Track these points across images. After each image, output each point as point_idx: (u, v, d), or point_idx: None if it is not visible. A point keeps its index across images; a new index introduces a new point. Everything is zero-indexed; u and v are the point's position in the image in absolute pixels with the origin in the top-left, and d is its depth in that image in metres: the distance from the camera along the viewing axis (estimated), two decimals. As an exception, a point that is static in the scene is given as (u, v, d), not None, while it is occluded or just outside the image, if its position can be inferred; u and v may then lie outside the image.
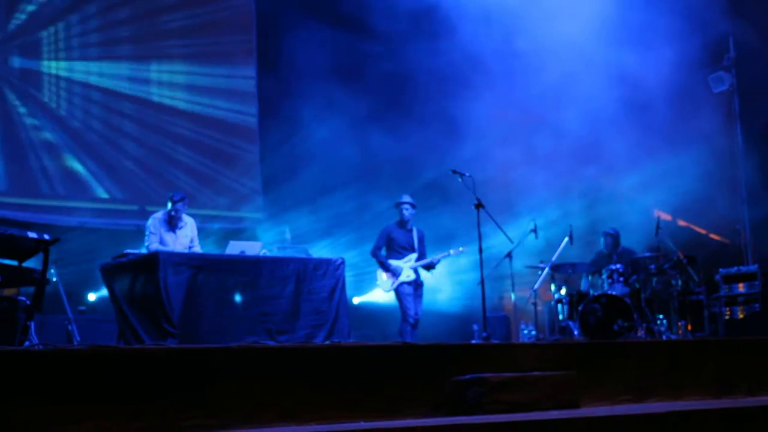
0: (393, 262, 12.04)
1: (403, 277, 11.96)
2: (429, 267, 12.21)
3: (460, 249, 12.31)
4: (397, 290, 12.02)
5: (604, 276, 13.22)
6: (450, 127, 15.53)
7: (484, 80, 15.41)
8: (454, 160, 13.46)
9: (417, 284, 12.11)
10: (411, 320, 11.87)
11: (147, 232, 11.07)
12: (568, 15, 14.56)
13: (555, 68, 14.88)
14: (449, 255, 12.30)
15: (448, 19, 14.65)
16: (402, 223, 12.28)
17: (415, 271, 12.07)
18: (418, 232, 12.33)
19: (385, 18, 14.61)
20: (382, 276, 12.08)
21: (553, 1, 14.77)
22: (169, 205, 11.10)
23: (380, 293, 12.72)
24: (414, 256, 12.10)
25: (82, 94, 13.92)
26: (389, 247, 12.21)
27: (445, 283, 14.84)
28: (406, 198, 12.28)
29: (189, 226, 11.28)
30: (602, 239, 13.89)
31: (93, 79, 14.00)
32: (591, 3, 14.49)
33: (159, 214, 11.18)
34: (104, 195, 13.85)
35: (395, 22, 14.59)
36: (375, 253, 12.24)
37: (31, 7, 13.56)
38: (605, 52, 14.54)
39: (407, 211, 12.19)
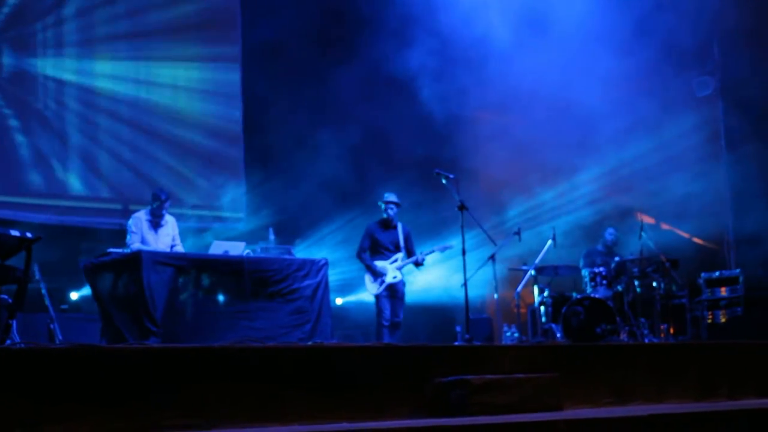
0: (378, 264, 11.90)
1: (389, 278, 11.82)
2: (417, 264, 12.11)
3: (448, 245, 12.23)
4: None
5: (587, 279, 13.28)
6: (440, 127, 15.53)
7: (472, 81, 15.44)
8: (441, 161, 13.49)
9: (399, 284, 12.00)
10: (386, 323, 11.78)
11: (128, 231, 11.04)
12: (554, 16, 14.62)
13: (542, 70, 14.90)
14: (433, 251, 12.21)
15: (437, 15, 14.66)
16: (385, 223, 12.09)
17: (401, 271, 12.00)
18: (404, 229, 12.14)
19: (374, 16, 14.58)
20: (369, 279, 11.94)
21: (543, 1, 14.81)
22: (156, 203, 11.07)
23: (365, 293, 12.65)
24: (400, 255, 11.96)
25: (65, 93, 13.84)
26: (373, 249, 12.04)
27: (428, 284, 14.83)
28: (392, 197, 12.07)
29: (170, 225, 11.26)
30: (606, 234, 13.95)
31: (76, 78, 13.93)
32: (577, 4, 14.51)
33: (140, 213, 11.16)
34: (87, 194, 13.79)
35: (385, 20, 14.56)
36: (360, 256, 12.04)
37: (15, 3, 13.49)
38: (591, 55, 14.56)
39: (392, 211, 12.05)
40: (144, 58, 14.51)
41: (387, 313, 11.78)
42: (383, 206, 12.03)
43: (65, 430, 5.46)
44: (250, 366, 6.30)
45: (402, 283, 12.00)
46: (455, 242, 11.60)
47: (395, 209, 12.03)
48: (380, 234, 12.04)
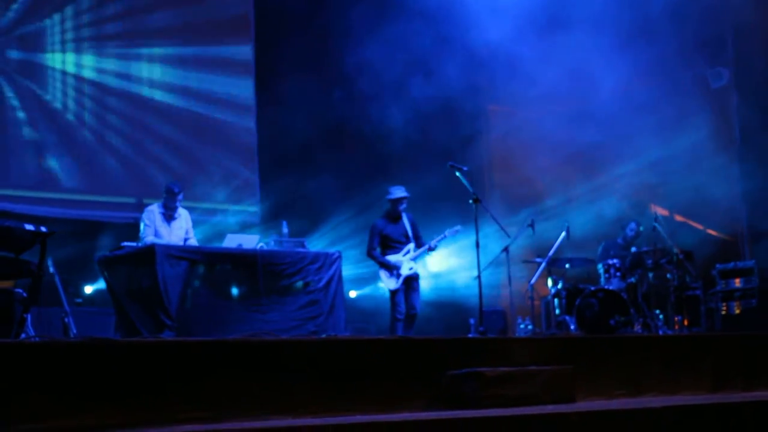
0: (392, 258, 11.86)
1: (405, 271, 11.80)
2: (430, 249, 12.00)
3: (457, 228, 12.16)
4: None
5: (601, 271, 13.27)
6: (454, 121, 15.50)
7: (486, 77, 15.44)
8: (456, 154, 13.49)
9: (414, 276, 11.95)
10: (400, 316, 11.75)
11: (142, 225, 11.06)
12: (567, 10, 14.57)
13: (559, 62, 14.86)
14: (445, 237, 12.11)
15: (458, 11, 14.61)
16: (391, 216, 12.02)
17: (415, 261, 11.98)
18: (409, 218, 12.08)
19: (391, 11, 14.53)
20: (385, 275, 11.90)
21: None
22: (169, 196, 11.07)
23: (378, 286, 12.64)
24: (411, 246, 11.93)
25: (78, 87, 13.87)
26: (383, 244, 11.97)
27: (442, 277, 14.84)
28: (403, 193, 12.03)
29: (184, 218, 11.28)
30: (628, 229, 13.94)
31: (89, 72, 13.95)
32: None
33: (154, 207, 11.17)
34: (101, 187, 13.83)
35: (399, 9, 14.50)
36: (371, 255, 12.00)
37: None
38: (604, 47, 14.51)
39: (403, 206, 12.04)
40: (154, 48, 14.52)
41: (402, 307, 11.77)
42: (395, 203, 11.98)
43: (79, 423, 5.48)
44: (264, 359, 6.32)
45: (416, 274, 11.98)
46: (472, 237, 11.55)
47: (405, 204, 12.01)
48: (388, 228, 11.98)
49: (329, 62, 15.25)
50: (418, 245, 11.96)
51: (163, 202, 11.15)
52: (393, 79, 14.64)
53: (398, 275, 11.76)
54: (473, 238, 11.08)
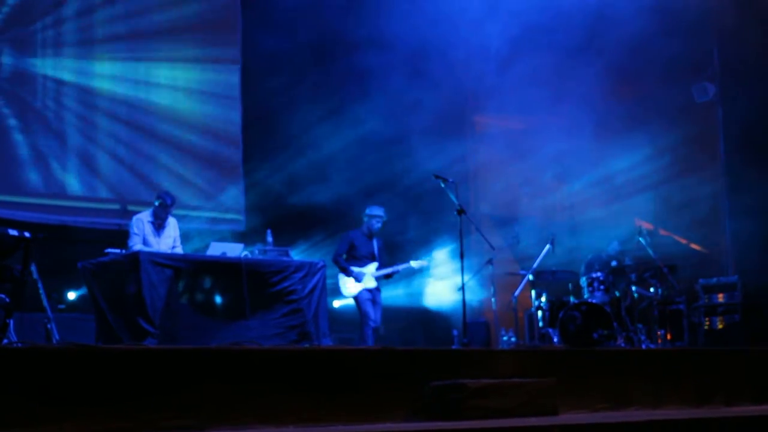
0: (355, 269, 11.98)
1: (365, 284, 11.94)
2: (388, 276, 12.21)
3: (424, 263, 12.30)
4: (356, 296, 12.00)
5: (585, 284, 13.28)
6: (439, 132, 15.51)
7: (475, 85, 15.47)
8: (441, 165, 13.49)
9: (376, 291, 12.09)
10: (372, 324, 11.83)
11: (131, 233, 10.99)
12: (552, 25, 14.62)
13: (541, 74, 14.89)
14: (410, 267, 12.28)
15: (439, 22, 14.62)
16: (365, 233, 12.23)
17: (376, 279, 12.06)
18: (378, 241, 12.29)
19: (377, 22, 14.52)
20: (345, 282, 12.00)
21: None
22: (162, 207, 11.01)
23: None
24: (375, 265, 12.07)
25: (65, 93, 13.82)
26: (350, 254, 12.13)
27: (426, 288, 14.83)
28: (380, 211, 12.20)
29: (171, 227, 11.24)
30: (610, 249, 14.00)
31: (76, 78, 13.89)
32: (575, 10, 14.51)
33: (143, 215, 11.11)
34: (86, 194, 13.77)
35: (387, 26, 14.50)
36: (337, 260, 12.12)
37: (15, 3, 13.48)
38: (589, 62, 14.56)
39: (378, 224, 12.15)
40: (144, 59, 14.47)
41: (372, 315, 11.86)
42: (371, 220, 12.14)
43: (61, 429, 5.45)
44: (247, 368, 6.30)
45: (378, 289, 12.10)
46: (456, 248, 11.53)
47: (381, 223, 12.12)
48: (360, 242, 12.17)
49: (316, 71, 15.26)
50: (381, 266, 12.05)
51: (153, 211, 11.09)
52: (377, 90, 14.67)
53: (357, 286, 11.88)
54: (458, 249, 11.06)
